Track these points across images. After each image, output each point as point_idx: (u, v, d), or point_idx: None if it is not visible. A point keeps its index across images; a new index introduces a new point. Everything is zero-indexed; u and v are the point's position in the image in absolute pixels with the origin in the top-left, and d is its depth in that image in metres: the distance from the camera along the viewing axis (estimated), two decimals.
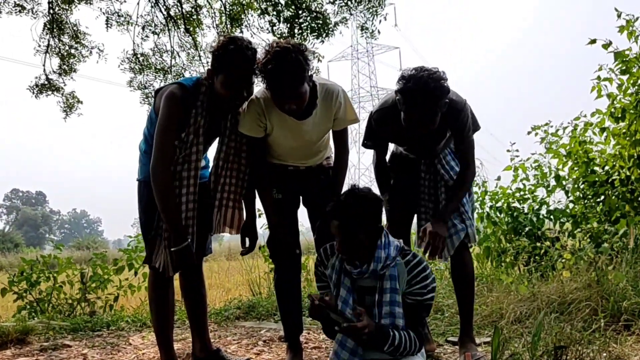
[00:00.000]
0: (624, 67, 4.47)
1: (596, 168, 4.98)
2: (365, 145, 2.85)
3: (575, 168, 5.04)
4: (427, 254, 2.62)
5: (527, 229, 5.05)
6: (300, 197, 2.86)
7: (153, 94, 2.66)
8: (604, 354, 2.50)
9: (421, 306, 2.11)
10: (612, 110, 4.69)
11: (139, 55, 9.96)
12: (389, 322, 2.07)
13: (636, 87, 4.52)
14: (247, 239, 2.74)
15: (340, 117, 2.61)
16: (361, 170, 54.22)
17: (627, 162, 4.64)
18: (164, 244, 2.48)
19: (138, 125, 2.67)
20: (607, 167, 4.91)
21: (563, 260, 4.22)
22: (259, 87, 2.53)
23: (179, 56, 10.10)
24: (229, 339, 3.60)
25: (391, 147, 2.99)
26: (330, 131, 2.71)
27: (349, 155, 2.85)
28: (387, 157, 3.01)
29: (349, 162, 2.88)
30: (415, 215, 2.95)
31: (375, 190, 2.39)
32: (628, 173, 4.64)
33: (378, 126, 2.71)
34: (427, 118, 2.38)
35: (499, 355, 2.47)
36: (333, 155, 2.85)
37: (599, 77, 4.68)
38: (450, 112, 2.49)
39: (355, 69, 58.81)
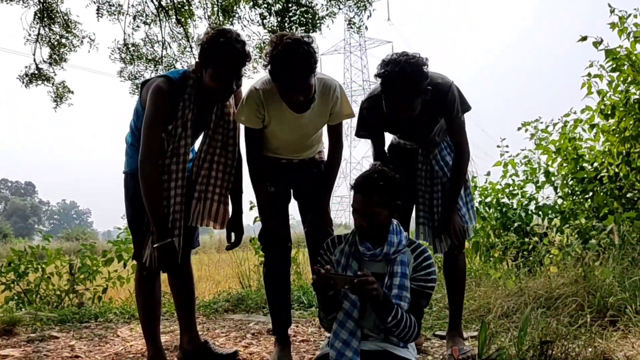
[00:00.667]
0: (614, 65, 4.49)
1: (585, 164, 5.00)
2: (360, 135, 2.84)
3: (565, 164, 5.07)
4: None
5: (515, 224, 5.08)
6: (291, 191, 2.86)
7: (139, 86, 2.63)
8: (590, 349, 2.52)
9: (422, 293, 2.12)
10: (602, 107, 4.72)
11: (129, 46, 9.88)
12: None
13: (626, 85, 4.54)
14: (232, 234, 2.73)
15: (337, 112, 2.61)
16: (352, 164, 54.37)
17: (615, 159, 4.68)
18: (152, 238, 2.46)
19: (129, 116, 2.65)
20: (596, 164, 4.95)
21: (551, 256, 4.26)
22: (252, 79, 2.51)
23: (170, 47, 10.02)
24: (217, 332, 3.60)
25: (390, 137, 2.98)
26: (325, 125, 2.70)
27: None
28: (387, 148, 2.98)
29: None
30: (414, 207, 2.94)
31: None
32: (616, 170, 4.68)
33: (368, 114, 2.70)
34: (405, 103, 2.38)
35: (486, 349, 2.49)
36: (325, 149, 2.84)
37: (589, 74, 4.70)
38: (436, 96, 2.49)
39: (348, 62, 58.88)
